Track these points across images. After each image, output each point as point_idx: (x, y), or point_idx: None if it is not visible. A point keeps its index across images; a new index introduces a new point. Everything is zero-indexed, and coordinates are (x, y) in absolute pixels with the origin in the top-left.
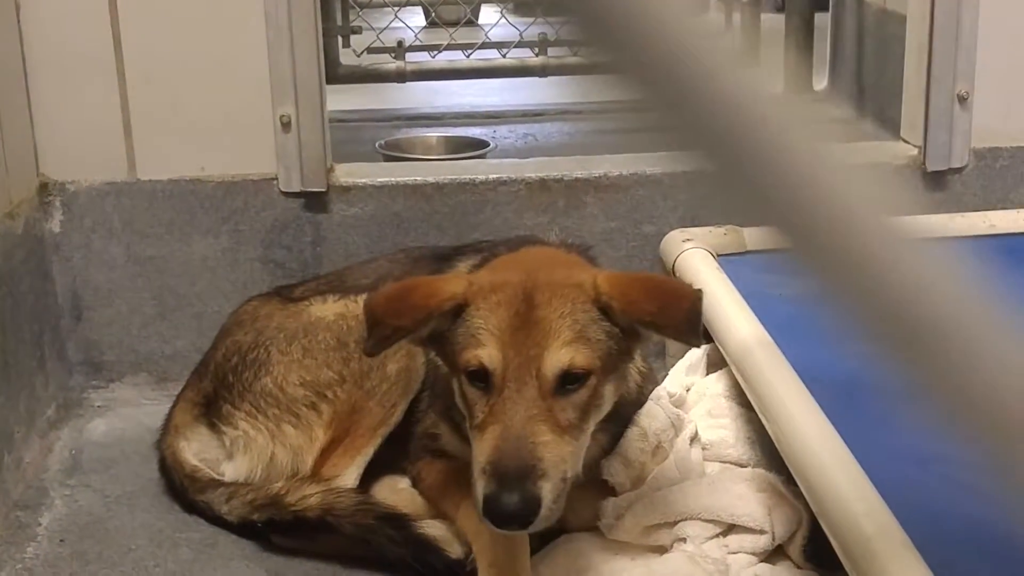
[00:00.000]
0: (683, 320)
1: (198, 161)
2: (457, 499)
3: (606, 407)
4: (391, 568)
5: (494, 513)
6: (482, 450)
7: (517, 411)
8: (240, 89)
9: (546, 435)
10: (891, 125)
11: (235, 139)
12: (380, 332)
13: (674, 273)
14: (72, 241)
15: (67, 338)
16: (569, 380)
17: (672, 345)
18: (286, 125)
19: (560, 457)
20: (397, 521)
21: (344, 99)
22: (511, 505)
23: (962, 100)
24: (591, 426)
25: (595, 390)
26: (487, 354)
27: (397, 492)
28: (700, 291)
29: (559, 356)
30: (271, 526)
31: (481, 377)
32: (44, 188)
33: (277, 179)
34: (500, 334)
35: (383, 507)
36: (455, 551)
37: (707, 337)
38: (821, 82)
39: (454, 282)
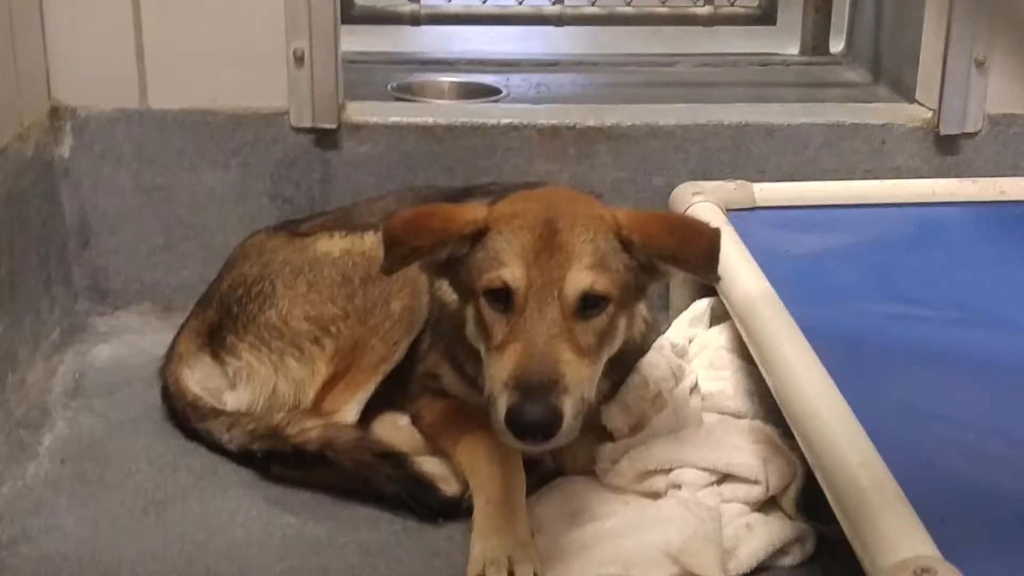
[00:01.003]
0: (702, 256)
1: (210, 92)
2: (456, 437)
3: (618, 341)
4: (387, 501)
5: (517, 424)
6: (504, 367)
7: (539, 330)
8: (254, 20)
9: (567, 353)
10: (906, 90)
11: (247, 71)
12: (398, 252)
13: None
14: (81, 167)
15: (73, 263)
16: (589, 304)
17: (676, 297)
18: (299, 60)
19: (580, 376)
20: (395, 459)
21: (358, 41)
22: (535, 415)
23: (979, 65)
24: (604, 357)
25: (612, 319)
26: (510, 273)
27: (397, 429)
28: (718, 229)
29: (581, 278)
30: (270, 457)
31: (502, 298)
32: (55, 112)
33: (288, 114)
34: (523, 255)
35: (382, 444)
36: (452, 489)
37: (712, 290)
38: (838, 45)
39: (475, 209)
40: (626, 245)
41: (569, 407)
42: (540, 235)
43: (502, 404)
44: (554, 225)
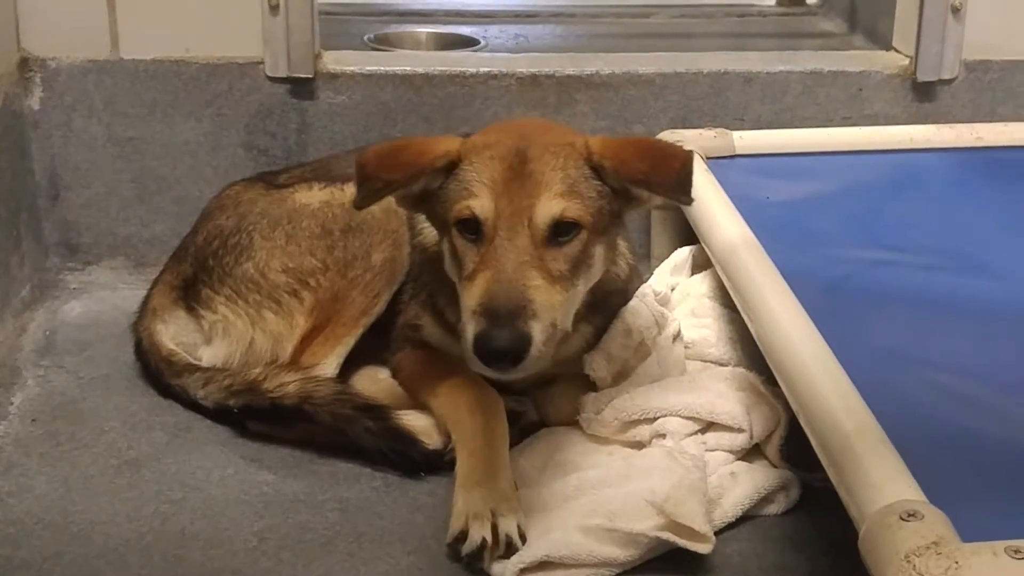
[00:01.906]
0: (674, 179)
1: (183, 41)
2: (438, 389)
3: (596, 271)
4: (368, 457)
5: (485, 350)
6: (472, 294)
7: (508, 257)
8: None
9: (537, 280)
10: (882, 40)
11: (221, 20)
12: (370, 186)
13: None
14: (52, 119)
15: (44, 218)
16: (560, 232)
17: (657, 246)
18: (274, 8)
19: (550, 303)
20: (375, 412)
21: None
22: (502, 341)
23: (955, 11)
24: (581, 285)
25: (585, 246)
26: (479, 204)
27: (377, 383)
28: (691, 152)
29: (550, 206)
30: (247, 412)
31: (472, 228)
32: (25, 63)
33: (263, 63)
34: (492, 185)
35: (362, 397)
36: (434, 442)
37: (693, 238)
38: None
39: (448, 141)
40: (598, 171)
41: (538, 332)
42: (510, 165)
43: (470, 331)
44: (525, 154)
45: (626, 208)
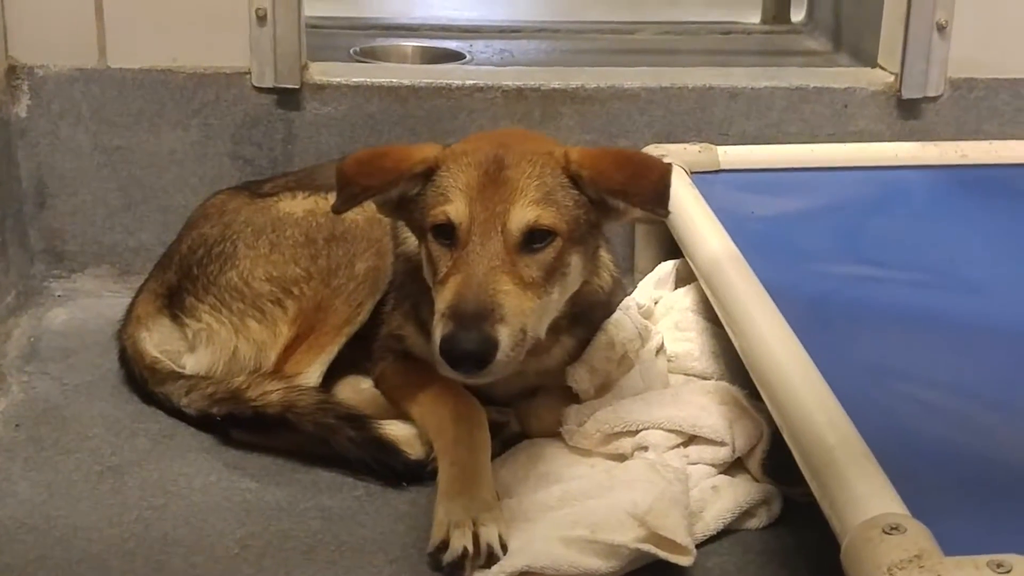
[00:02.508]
0: (651, 191)
1: (170, 51)
2: (420, 399)
3: (572, 280)
4: (350, 466)
5: (451, 353)
6: (443, 298)
7: (480, 262)
8: None
9: (507, 285)
10: (868, 57)
11: (208, 30)
12: (349, 191)
13: None
14: (39, 127)
15: (29, 225)
16: (534, 239)
17: (641, 260)
18: (261, 18)
19: (520, 308)
20: (358, 422)
21: (320, 6)
22: (468, 343)
23: (941, 28)
24: (556, 293)
25: (560, 254)
26: (453, 208)
27: (359, 392)
28: (669, 164)
29: (524, 212)
30: (230, 421)
31: (447, 233)
32: (12, 71)
33: (250, 73)
34: (467, 190)
35: (344, 407)
36: (416, 452)
37: (677, 252)
38: (799, 13)
39: (426, 148)
40: (576, 181)
41: (505, 336)
42: (486, 171)
43: (438, 333)
44: (502, 161)
45: (604, 219)
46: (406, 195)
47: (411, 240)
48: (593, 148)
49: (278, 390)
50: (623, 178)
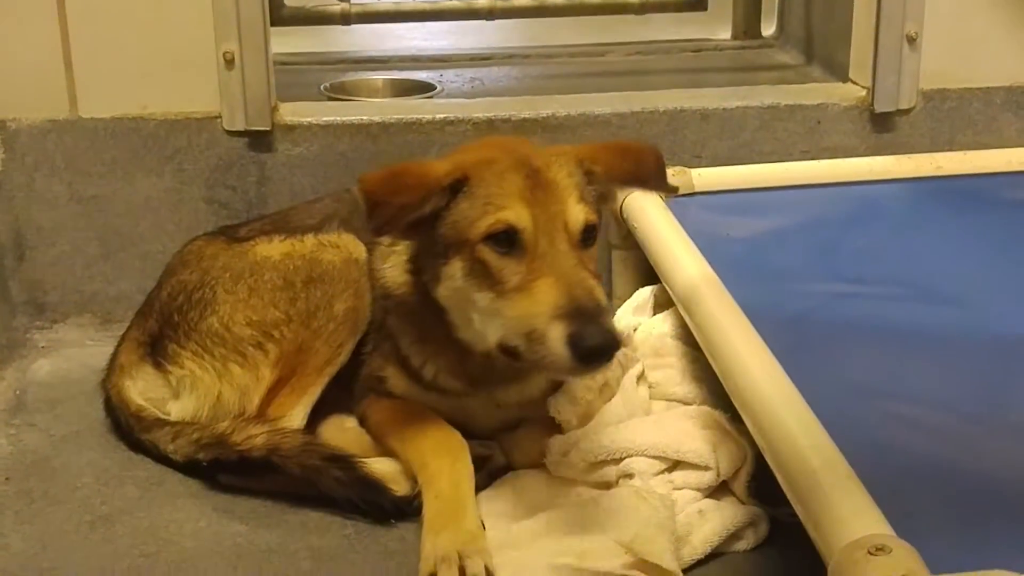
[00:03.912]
0: (655, 172)
1: (140, 99)
2: (403, 434)
3: None
4: (337, 505)
5: (583, 349)
6: (541, 301)
7: (564, 262)
8: (183, 25)
9: (592, 280)
10: (839, 70)
11: (178, 76)
12: (384, 212)
13: (621, 214)
14: (14, 180)
15: (10, 278)
16: (588, 234)
17: (619, 286)
18: (229, 62)
19: (606, 302)
20: (343, 462)
21: (288, 42)
22: (599, 338)
23: (911, 41)
24: None
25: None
26: (514, 214)
27: (344, 431)
28: (655, 144)
29: (577, 211)
30: (216, 466)
31: (507, 240)
32: None
33: (221, 117)
34: (520, 195)
35: (329, 448)
36: (402, 488)
37: (654, 278)
38: (770, 28)
39: (442, 162)
40: (589, 176)
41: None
42: (527, 176)
43: (557, 334)
44: (533, 165)
45: (603, 209)
46: (433, 211)
47: (390, 272)
48: (591, 144)
49: (262, 434)
50: (630, 166)
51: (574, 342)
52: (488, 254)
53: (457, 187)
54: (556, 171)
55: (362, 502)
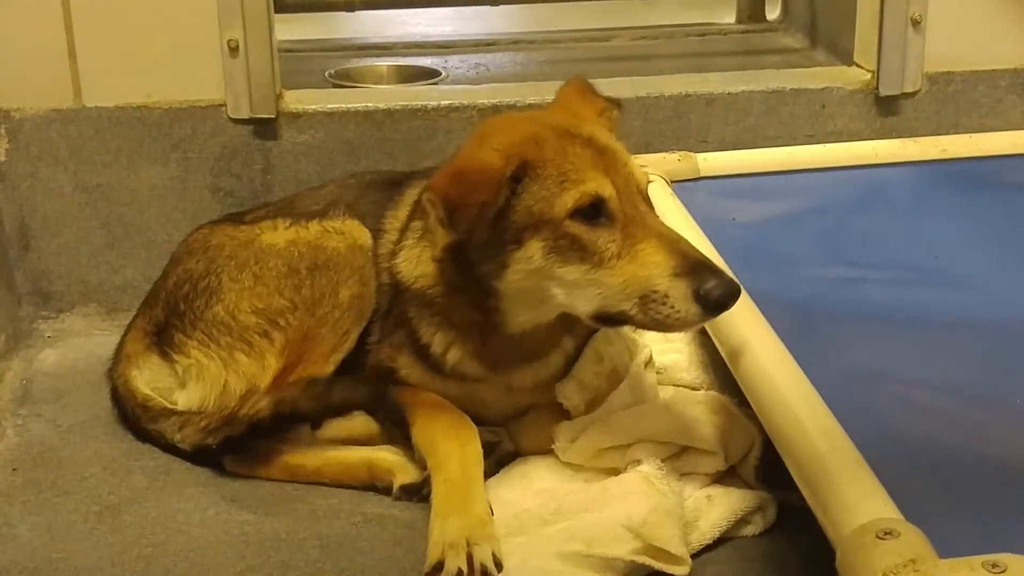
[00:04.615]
0: (591, 93)
1: (145, 87)
2: (412, 418)
3: None
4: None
5: (712, 302)
6: (655, 262)
7: (652, 222)
8: (186, 13)
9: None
10: (844, 54)
11: (182, 64)
12: (467, 215)
13: None
14: (18, 170)
15: (15, 268)
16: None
17: None
18: (234, 50)
19: None
20: (346, 378)
21: (292, 29)
22: (724, 287)
23: (915, 24)
24: None
25: None
26: (597, 184)
27: (351, 418)
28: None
29: (639, 172)
30: (227, 446)
31: (592, 213)
32: None
33: (225, 105)
34: (593, 165)
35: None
36: (411, 476)
37: None
38: (774, 11)
39: (490, 153)
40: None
41: None
42: (587, 146)
43: (682, 292)
44: (583, 133)
45: None
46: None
47: (405, 268)
48: (546, 110)
49: (266, 397)
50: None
51: (701, 296)
52: (577, 228)
53: (519, 174)
54: (605, 137)
55: (374, 398)
